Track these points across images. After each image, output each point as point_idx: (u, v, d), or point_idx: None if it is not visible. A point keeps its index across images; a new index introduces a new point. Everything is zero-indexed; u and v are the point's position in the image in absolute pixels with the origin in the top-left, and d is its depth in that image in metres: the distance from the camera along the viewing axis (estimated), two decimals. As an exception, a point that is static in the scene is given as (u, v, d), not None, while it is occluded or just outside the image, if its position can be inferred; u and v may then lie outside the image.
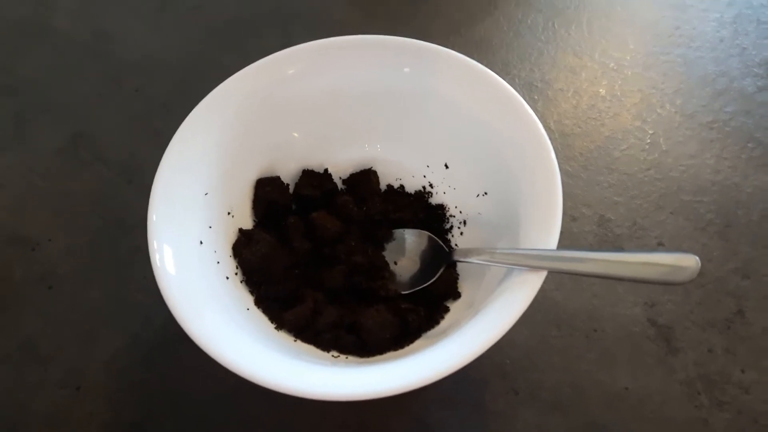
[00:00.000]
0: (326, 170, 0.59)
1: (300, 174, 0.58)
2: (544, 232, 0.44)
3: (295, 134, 0.57)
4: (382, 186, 0.59)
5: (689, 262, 0.39)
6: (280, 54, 0.54)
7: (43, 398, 0.54)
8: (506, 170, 0.50)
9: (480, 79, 0.52)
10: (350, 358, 0.49)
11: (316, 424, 0.52)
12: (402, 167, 0.59)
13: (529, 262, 0.43)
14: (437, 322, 0.51)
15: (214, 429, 0.53)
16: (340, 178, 0.59)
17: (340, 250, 0.54)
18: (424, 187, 0.59)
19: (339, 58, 0.55)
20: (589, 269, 0.42)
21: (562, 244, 0.55)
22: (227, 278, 0.50)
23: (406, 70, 0.55)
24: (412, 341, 0.50)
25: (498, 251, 0.46)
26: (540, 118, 0.49)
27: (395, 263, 0.55)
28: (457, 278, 0.54)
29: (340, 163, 0.59)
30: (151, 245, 0.44)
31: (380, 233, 0.56)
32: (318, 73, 0.55)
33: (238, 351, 0.41)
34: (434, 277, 0.52)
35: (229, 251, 0.52)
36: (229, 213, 0.53)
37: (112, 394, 0.54)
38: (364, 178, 0.59)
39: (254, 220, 0.55)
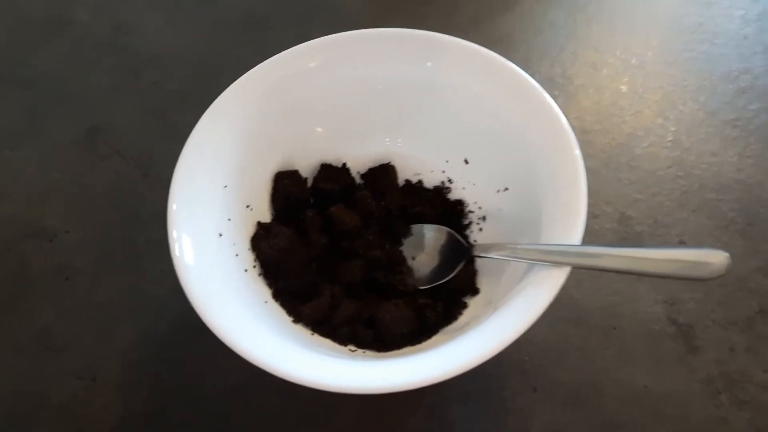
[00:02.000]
0: (345, 164, 0.59)
1: (318, 168, 0.58)
2: (568, 228, 0.43)
3: (312, 126, 0.57)
4: (401, 181, 0.59)
5: (717, 258, 0.38)
6: (301, 47, 0.54)
7: (58, 389, 0.54)
8: (528, 165, 0.50)
9: (503, 72, 0.52)
10: (367, 352, 0.49)
11: (332, 417, 0.52)
12: (421, 162, 0.59)
13: (552, 257, 0.42)
14: (455, 318, 0.51)
15: (227, 421, 0.52)
16: (359, 172, 0.59)
17: (358, 245, 0.54)
18: (442, 183, 0.58)
19: (361, 51, 0.55)
20: (615, 265, 0.41)
21: (583, 241, 0.55)
22: (245, 271, 0.50)
23: (429, 64, 0.54)
24: (429, 337, 0.50)
25: (519, 246, 0.46)
26: (560, 115, 0.48)
27: (413, 258, 0.55)
28: (476, 274, 0.53)
29: (359, 158, 0.59)
30: (171, 235, 0.44)
31: (398, 228, 0.56)
32: (339, 66, 0.55)
33: (255, 342, 0.41)
34: (453, 272, 0.52)
35: (247, 244, 0.51)
36: (247, 206, 0.53)
37: (126, 385, 0.54)
38: (383, 172, 0.58)
39: (273, 214, 0.55)
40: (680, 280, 0.52)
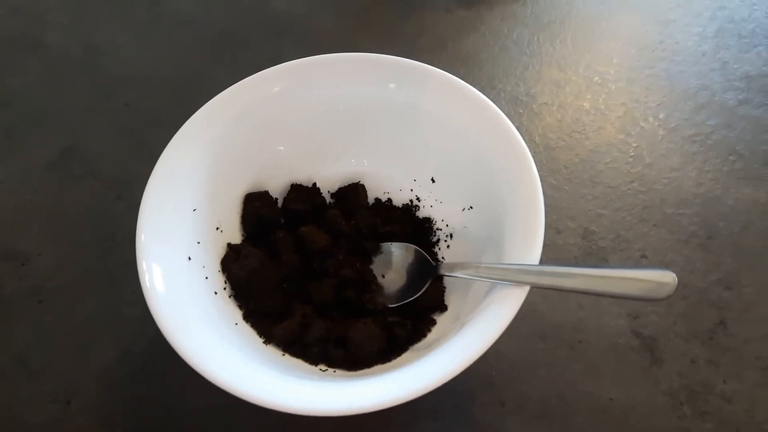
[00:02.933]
0: (314, 184, 0.60)
1: (288, 188, 0.59)
2: (527, 246, 0.45)
3: (281, 148, 0.58)
4: (370, 199, 0.60)
5: (667, 278, 0.40)
6: (266, 72, 0.55)
7: (35, 412, 0.54)
8: (490, 185, 0.51)
9: (462, 94, 0.53)
10: (338, 371, 0.50)
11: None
12: (390, 181, 0.60)
13: (512, 276, 0.43)
14: (424, 335, 0.52)
15: (206, 442, 0.53)
16: (329, 191, 0.60)
17: (328, 264, 0.55)
18: (411, 201, 0.59)
19: (324, 75, 0.56)
20: (571, 285, 0.43)
21: (547, 256, 0.56)
22: (216, 293, 0.50)
23: (392, 86, 0.55)
24: (399, 354, 0.51)
25: (482, 266, 0.47)
26: (525, 132, 0.50)
27: (383, 276, 0.56)
28: (444, 291, 0.55)
29: (329, 177, 0.60)
30: (140, 266, 0.45)
31: (368, 246, 0.57)
32: (303, 90, 0.56)
33: (227, 367, 0.42)
34: (421, 290, 0.53)
35: (217, 266, 0.52)
36: (217, 228, 0.53)
37: (104, 407, 0.54)
38: (352, 191, 0.59)
39: (243, 235, 0.56)
40: (635, 300, 0.54)
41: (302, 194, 0.59)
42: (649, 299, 0.41)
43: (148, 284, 0.44)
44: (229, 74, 0.54)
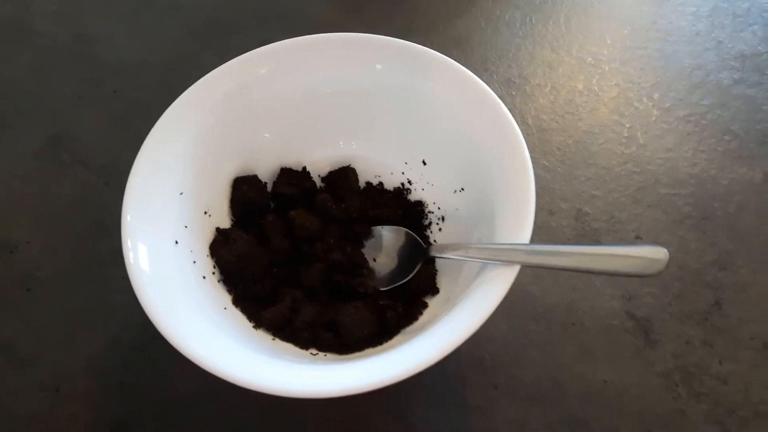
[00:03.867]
0: (304, 168, 0.59)
1: (278, 172, 0.58)
2: (517, 226, 0.44)
3: (267, 135, 0.57)
4: (361, 183, 0.60)
5: (659, 254, 0.39)
6: (252, 53, 0.54)
7: (24, 401, 0.54)
8: (481, 166, 0.51)
9: (453, 74, 0.52)
10: (329, 355, 0.50)
11: (300, 420, 0.52)
12: (380, 164, 0.59)
13: (502, 256, 0.43)
14: (416, 318, 0.52)
15: (196, 428, 0.53)
16: (319, 175, 0.60)
17: (318, 248, 0.54)
18: (402, 184, 0.59)
19: (310, 56, 0.55)
20: (562, 263, 0.42)
21: (540, 238, 0.56)
22: (204, 278, 0.50)
23: (378, 66, 0.55)
24: (390, 338, 0.51)
25: (473, 246, 0.46)
26: (517, 114, 0.49)
27: (374, 260, 0.55)
28: (436, 274, 0.54)
29: (319, 161, 0.59)
30: (125, 244, 0.44)
31: (359, 230, 0.56)
32: (290, 71, 0.55)
33: (214, 351, 0.41)
34: (412, 273, 0.53)
35: (206, 251, 0.52)
36: (206, 212, 0.53)
37: (93, 395, 0.54)
38: (343, 175, 0.59)
39: (232, 219, 0.55)
40: (624, 276, 0.53)
41: (292, 178, 0.58)
42: (641, 275, 0.40)
43: (132, 262, 0.44)
44: (219, 60, 0.53)
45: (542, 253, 0.43)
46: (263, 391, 0.39)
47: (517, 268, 0.42)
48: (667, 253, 0.39)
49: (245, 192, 0.55)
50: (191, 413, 0.53)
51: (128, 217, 0.45)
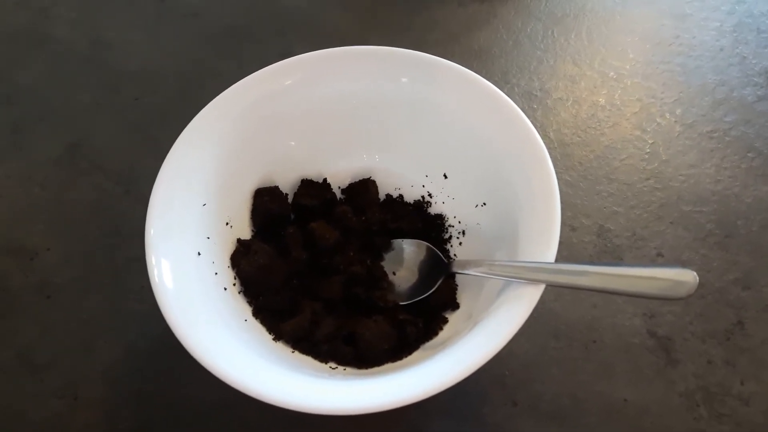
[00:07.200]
0: (325, 180, 0.59)
1: (299, 183, 0.58)
2: (543, 244, 0.44)
3: (292, 143, 0.57)
4: (381, 195, 0.59)
5: (687, 277, 0.39)
6: (277, 65, 0.54)
7: (40, 408, 0.54)
8: (505, 181, 0.50)
9: (476, 88, 0.52)
10: (348, 369, 0.49)
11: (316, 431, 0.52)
12: (401, 177, 0.59)
13: (527, 274, 0.43)
14: (436, 333, 0.51)
15: (212, 438, 0.52)
16: (339, 187, 0.59)
17: (338, 261, 0.54)
18: (423, 197, 0.58)
19: (335, 68, 0.55)
20: (587, 283, 0.42)
21: (561, 254, 0.55)
22: (225, 289, 0.50)
23: (404, 80, 0.54)
24: (410, 353, 0.50)
25: (496, 263, 0.46)
26: (539, 128, 0.49)
27: (394, 273, 0.55)
28: (456, 289, 0.54)
29: (339, 173, 0.59)
30: (149, 261, 0.44)
31: (379, 243, 0.56)
32: (314, 84, 0.55)
33: (235, 364, 0.41)
34: (433, 288, 0.52)
35: (227, 262, 0.51)
36: (227, 223, 0.53)
37: (109, 403, 0.54)
38: (363, 187, 0.59)
39: (253, 230, 0.55)
40: (653, 299, 0.52)
41: (312, 189, 0.58)
42: (668, 298, 0.40)
43: (156, 279, 0.43)
44: (236, 69, 0.54)
45: (568, 272, 0.42)
46: (283, 406, 0.39)
47: (541, 288, 0.42)
48: (696, 277, 0.38)
49: (266, 203, 0.55)
50: (207, 422, 0.53)
51: (152, 231, 0.45)
